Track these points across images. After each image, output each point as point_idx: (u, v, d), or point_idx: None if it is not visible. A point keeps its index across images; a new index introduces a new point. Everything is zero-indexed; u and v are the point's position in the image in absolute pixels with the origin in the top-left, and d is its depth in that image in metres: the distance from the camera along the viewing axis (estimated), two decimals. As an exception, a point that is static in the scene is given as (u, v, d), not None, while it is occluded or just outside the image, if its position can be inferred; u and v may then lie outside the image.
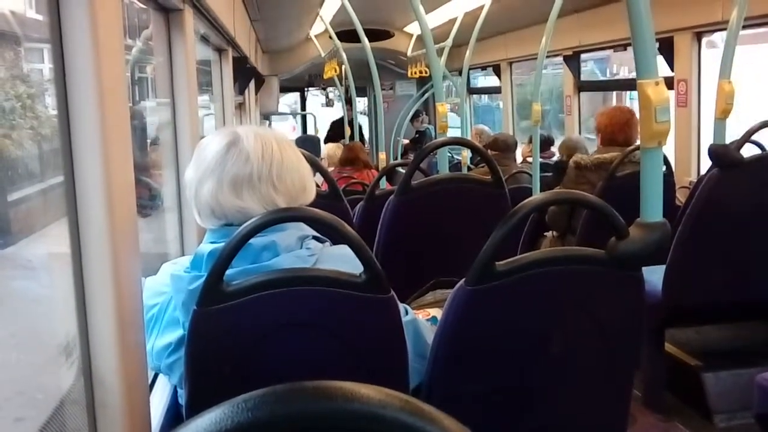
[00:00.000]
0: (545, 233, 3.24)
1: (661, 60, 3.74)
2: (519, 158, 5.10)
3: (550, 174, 4.22)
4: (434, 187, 2.00)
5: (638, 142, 2.87)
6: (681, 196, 3.12)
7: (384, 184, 3.79)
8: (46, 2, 0.90)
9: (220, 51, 3.25)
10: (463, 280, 1.18)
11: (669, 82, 3.69)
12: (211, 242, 1.19)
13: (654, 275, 2.24)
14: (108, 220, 0.89)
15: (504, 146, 4.37)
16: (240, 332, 1.10)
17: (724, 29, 2.56)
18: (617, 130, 2.91)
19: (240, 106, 4.71)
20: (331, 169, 4.84)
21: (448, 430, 0.38)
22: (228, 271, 1.08)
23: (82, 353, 0.91)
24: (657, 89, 1.18)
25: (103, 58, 0.89)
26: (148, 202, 1.99)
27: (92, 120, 0.89)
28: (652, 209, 1.21)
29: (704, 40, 3.59)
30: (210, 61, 3.24)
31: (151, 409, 1.10)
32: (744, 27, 2.37)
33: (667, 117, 1.19)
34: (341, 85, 7.70)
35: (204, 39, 2.82)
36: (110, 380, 0.90)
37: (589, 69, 5.55)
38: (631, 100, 6.52)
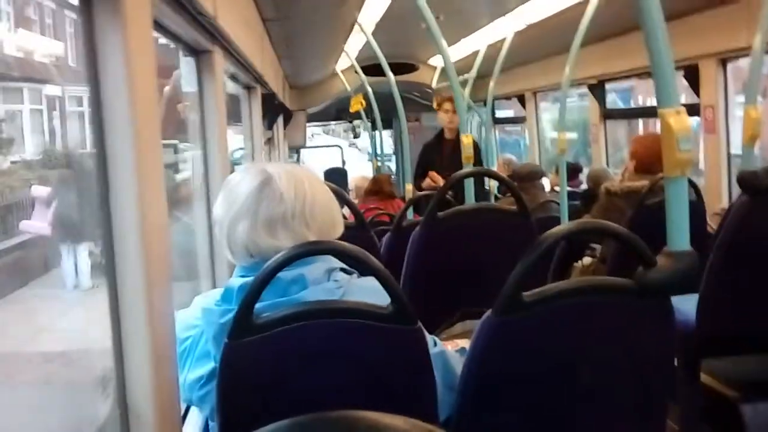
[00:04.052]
0: (575, 263, 3.21)
1: (687, 87, 3.73)
2: (547, 187, 5.08)
3: (578, 203, 4.20)
4: (460, 218, 2.01)
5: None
6: (713, 223, 3.08)
7: (411, 214, 3.81)
8: (83, 45, 0.95)
9: (249, 88, 3.34)
10: (490, 310, 1.18)
11: (696, 109, 3.67)
12: (241, 276, 1.22)
13: (687, 304, 2.20)
14: (143, 256, 0.93)
15: (528, 176, 4.36)
16: (270, 364, 1.11)
17: (748, 55, 2.55)
18: (655, 161, 2.87)
19: (269, 141, 4.80)
20: (357, 200, 4.89)
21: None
22: (258, 305, 1.10)
23: (118, 386, 0.93)
24: (678, 118, 1.18)
25: (137, 99, 0.93)
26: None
27: (127, 160, 0.92)
28: (679, 238, 1.20)
29: (729, 66, 3.57)
30: (235, 94, 3.34)
31: (183, 442, 1.12)
32: (768, 52, 2.36)
33: (689, 146, 1.19)
34: (367, 118, 7.79)
35: (233, 77, 2.90)
36: (144, 413, 0.92)
37: (611, 100, 5.52)
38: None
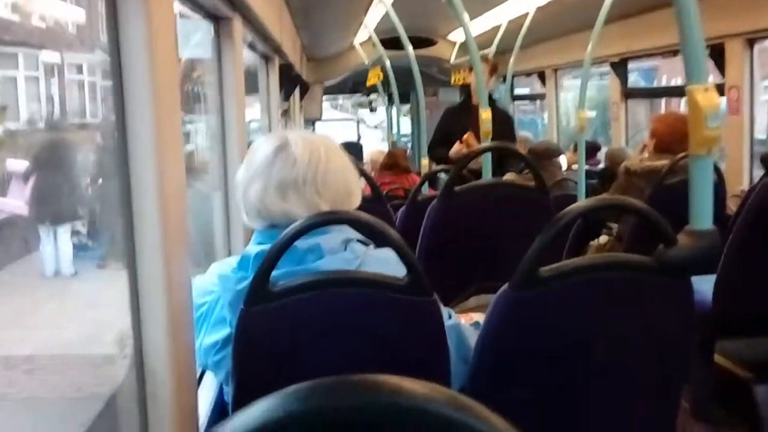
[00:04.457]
0: (591, 241, 3.19)
1: (712, 67, 3.66)
2: (564, 166, 5.03)
3: (595, 181, 4.16)
4: (477, 193, 2.00)
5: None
6: (732, 205, 3.04)
7: (426, 189, 3.79)
8: (105, 16, 0.94)
9: (266, 58, 3.32)
10: (507, 284, 1.17)
11: (720, 90, 3.60)
12: (258, 243, 1.22)
13: (704, 285, 2.18)
14: (161, 223, 0.93)
15: (545, 153, 4.32)
16: (285, 332, 1.12)
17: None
18: (676, 141, 2.83)
19: (285, 113, 4.79)
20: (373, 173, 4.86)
21: (494, 427, 0.39)
22: (273, 273, 1.11)
23: (135, 349, 0.94)
24: (707, 95, 1.16)
25: (158, 65, 0.93)
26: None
27: (147, 128, 0.92)
28: (702, 217, 1.19)
29: (757, 47, 3.49)
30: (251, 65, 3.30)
31: (198, 405, 1.13)
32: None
33: (717, 124, 1.17)
34: (384, 92, 7.74)
35: (251, 46, 2.88)
36: (161, 375, 0.93)
37: (634, 79, 5.40)
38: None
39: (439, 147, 4.18)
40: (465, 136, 3.86)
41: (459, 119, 4.06)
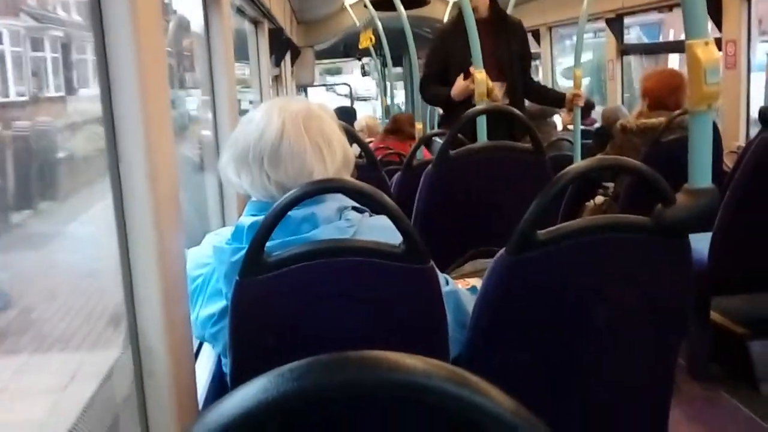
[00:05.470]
0: (586, 202, 3.18)
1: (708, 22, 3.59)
2: (559, 126, 5.00)
3: (590, 141, 4.14)
4: (473, 156, 1.98)
5: (686, 107, 2.79)
6: (728, 162, 3.02)
7: (421, 154, 3.76)
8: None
9: (255, 23, 3.25)
10: (504, 249, 1.16)
11: (717, 44, 3.55)
12: (251, 215, 1.20)
13: (699, 243, 2.18)
14: (151, 194, 0.91)
15: (539, 114, 4.28)
16: (281, 302, 1.11)
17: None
18: (666, 94, 2.80)
19: (276, 79, 4.72)
20: (369, 140, 4.82)
21: (496, 401, 0.38)
22: (268, 243, 1.09)
23: (129, 324, 0.93)
24: (707, 49, 1.13)
25: (143, 36, 0.90)
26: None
27: (133, 95, 0.90)
28: (701, 174, 1.17)
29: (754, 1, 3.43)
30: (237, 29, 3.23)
31: (196, 378, 1.13)
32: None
33: (717, 79, 1.14)
34: (377, 55, 7.64)
35: (239, 11, 2.82)
36: (157, 349, 0.92)
37: (636, 35, 5.27)
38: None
39: (433, 84, 3.11)
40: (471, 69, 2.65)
41: (458, 42, 2.82)
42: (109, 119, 0.90)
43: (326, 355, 0.40)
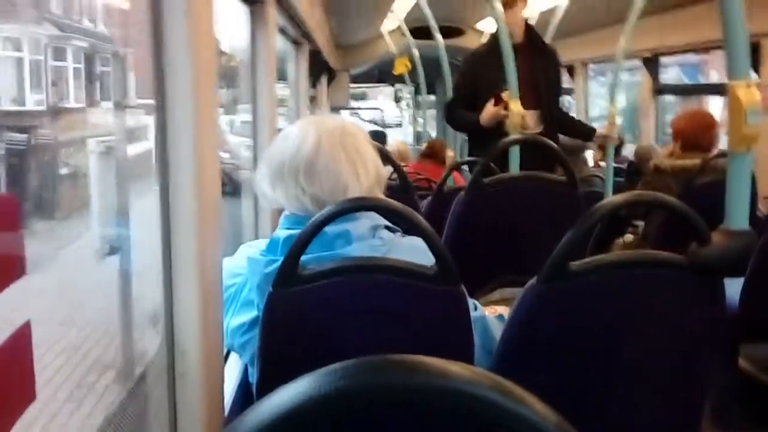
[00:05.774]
0: (617, 239, 3.16)
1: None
2: (590, 162, 4.98)
3: (621, 179, 4.11)
4: (505, 185, 1.99)
5: (720, 148, 2.77)
6: (763, 207, 2.99)
7: (451, 181, 3.78)
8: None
9: (297, 44, 3.32)
10: (535, 277, 1.17)
11: (755, 88, 3.53)
12: (287, 228, 1.22)
13: (731, 288, 2.14)
14: (196, 204, 0.94)
15: (571, 149, 4.27)
16: (311, 315, 1.12)
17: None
18: (700, 133, 2.78)
19: (312, 100, 4.80)
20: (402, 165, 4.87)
21: (540, 414, 0.38)
22: (302, 257, 1.11)
23: (166, 324, 0.95)
24: (748, 91, 1.13)
25: (197, 55, 0.93)
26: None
27: (186, 113, 0.93)
28: (738, 216, 1.17)
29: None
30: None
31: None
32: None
33: (757, 120, 1.14)
34: (411, 82, 7.72)
35: (282, 31, 2.89)
36: (191, 350, 0.94)
37: (675, 75, 5.20)
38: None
39: (461, 108, 3.00)
40: (504, 95, 2.64)
41: (489, 66, 2.81)
42: (162, 131, 0.94)
43: (375, 357, 0.41)
